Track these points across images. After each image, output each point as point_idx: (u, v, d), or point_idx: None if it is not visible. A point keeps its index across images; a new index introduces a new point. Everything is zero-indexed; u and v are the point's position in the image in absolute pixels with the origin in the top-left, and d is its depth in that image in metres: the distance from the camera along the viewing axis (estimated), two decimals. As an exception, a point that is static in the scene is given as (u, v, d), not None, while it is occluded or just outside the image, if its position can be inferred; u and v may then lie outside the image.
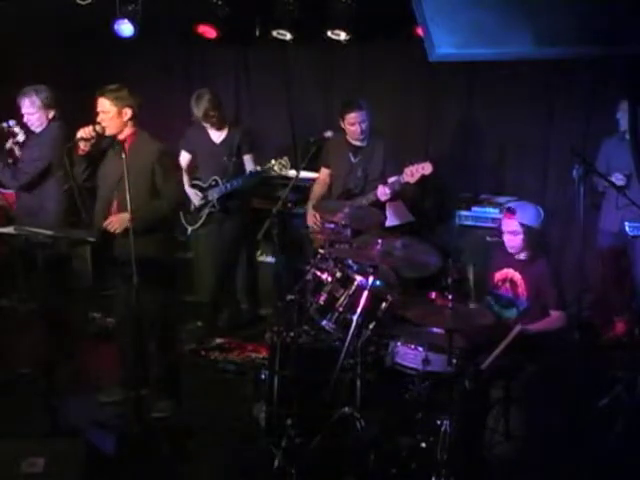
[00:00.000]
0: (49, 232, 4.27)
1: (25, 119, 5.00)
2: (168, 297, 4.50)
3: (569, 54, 2.14)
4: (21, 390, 4.54)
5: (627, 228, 4.83)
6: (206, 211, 5.62)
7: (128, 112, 4.26)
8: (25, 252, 4.79)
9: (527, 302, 4.19)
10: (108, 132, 4.25)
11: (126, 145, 4.10)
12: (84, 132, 4.16)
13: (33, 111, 4.96)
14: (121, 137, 4.26)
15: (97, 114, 4.27)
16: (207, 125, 5.58)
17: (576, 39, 1.99)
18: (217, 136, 5.64)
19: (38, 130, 5.01)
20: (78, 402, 4.38)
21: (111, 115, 4.25)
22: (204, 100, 5.44)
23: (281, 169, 5.06)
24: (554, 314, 4.12)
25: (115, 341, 4.79)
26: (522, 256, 4.26)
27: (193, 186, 5.69)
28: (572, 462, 3.86)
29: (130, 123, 4.30)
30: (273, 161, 5.14)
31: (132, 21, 5.92)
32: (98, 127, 4.20)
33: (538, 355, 4.12)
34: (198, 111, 5.47)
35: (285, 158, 5.11)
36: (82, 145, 4.22)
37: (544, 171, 6.15)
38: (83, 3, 5.83)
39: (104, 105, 4.26)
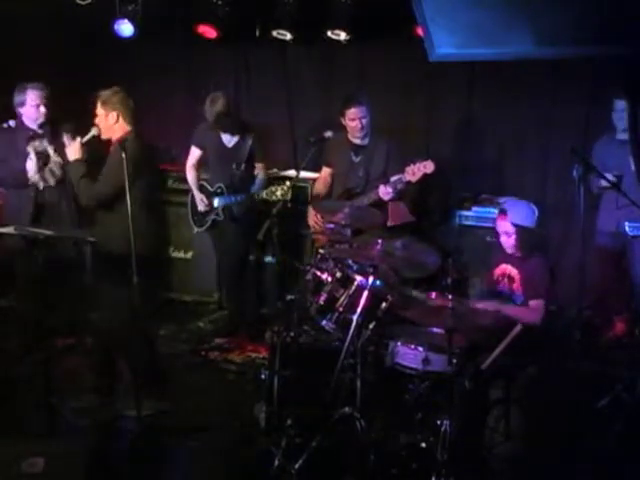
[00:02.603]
0: (49, 232, 4.27)
1: (40, 110, 5.00)
2: (149, 294, 4.44)
3: (569, 54, 2.14)
4: (21, 390, 4.53)
5: (627, 228, 4.82)
6: (211, 217, 5.62)
7: (114, 115, 4.36)
8: (25, 252, 4.79)
9: (523, 297, 4.21)
10: (103, 135, 4.42)
11: (112, 145, 4.31)
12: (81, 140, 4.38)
13: (47, 102, 5.01)
14: (114, 139, 4.38)
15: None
16: (219, 129, 5.54)
17: (576, 39, 1.99)
18: (228, 140, 5.58)
19: (39, 123, 5.03)
20: (79, 402, 4.38)
21: (100, 118, 4.41)
22: (217, 105, 5.37)
23: (283, 195, 5.00)
24: (532, 304, 4.13)
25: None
26: (518, 253, 4.29)
27: (201, 187, 5.69)
28: (572, 462, 3.86)
29: (118, 126, 4.36)
30: (276, 186, 5.08)
31: (132, 21, 5.92)
32: (94, 129, 4.40)
33: (538, 355, 4.12)
34: (210, 116, 5.42)
35: (287, 184, 5.06)
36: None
37: (544, 171, 6.15)
38: (83, 3, 5.83)
39: (97, 108, 4.43)
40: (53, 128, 5.08)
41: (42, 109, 5.01)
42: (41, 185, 5.02)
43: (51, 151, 5.05)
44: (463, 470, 3.49)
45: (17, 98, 5.02)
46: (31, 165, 4.99)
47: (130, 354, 4.38)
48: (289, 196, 5.07)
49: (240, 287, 5.82)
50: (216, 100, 5.41)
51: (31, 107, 5.00)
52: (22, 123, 5.06)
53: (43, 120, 5.05)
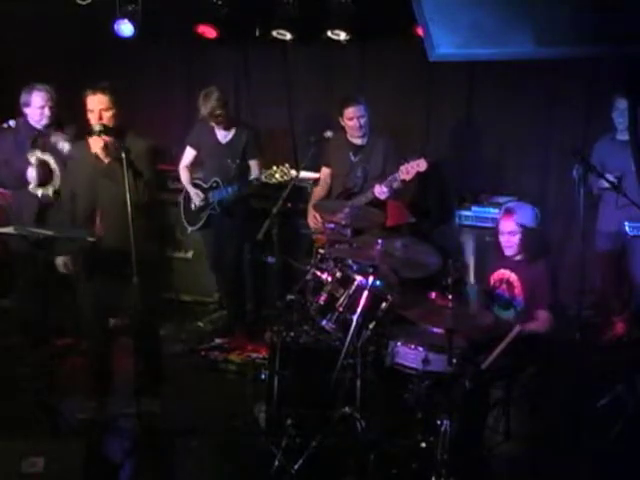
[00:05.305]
0: (49, 232, 4.27)
1: (44, 112, 4.93)
2: (150, 291, 4.41)
3: (569, 54, 2.14)
4: (21, 390, 4.53)
5: (627, 228, 4.82)
6: (207, 213, 5.60)
7: (121, 110, 4.20)
8: (25, 252, 4.79)
9: (524, 303, 4.20)
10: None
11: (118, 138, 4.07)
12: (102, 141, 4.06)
13: (52, 105, 4.93)
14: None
15: (90, 112, 4.15)
16: (214, 124, 5.53)
17: (576, 39, 1.99)
18: (223, 136, 5.57)
19: (43, 125, 4.96)
20: (79, 402, 4.38)
21: (113, 112, 4.16)
22: (212, 99, 5.34)
23: (283, 176, 4.93)
24: (541, 315, 4.13)
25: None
26: (519, 257, 4.27)
27: (194, 185, 5.68)
28: (572, 462, 3.86)
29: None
30: (275, 168, 4.99)
31: (132, 21, 5.92)
32: (99, 126, 4.06)
33: (538, 355, 4.12)
34: (205, 109, 5.37)
35: (287, 165, 4.99)
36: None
37: (544, 171, 6.15)
38: (83, 3, 5.83)
39: (104, 102, 4.14)
40: (58, 129, 5.00)
41: (46, 111, 4.93)
42: (39, 193, 4.90)
43: (52, 163, 4.91)
44: (463, 470, 3.49)
45: (23, 97, 4.95)
46: (32, 174, 4.88)
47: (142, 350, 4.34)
48: (289, 177, 4.91)
49: (239, 285, 5.82)
50: (210, 95, 5.37)
51: (36, 109, 4.93)
52: (27, 123, 4.99)
53: (47, 122, 4.97)
